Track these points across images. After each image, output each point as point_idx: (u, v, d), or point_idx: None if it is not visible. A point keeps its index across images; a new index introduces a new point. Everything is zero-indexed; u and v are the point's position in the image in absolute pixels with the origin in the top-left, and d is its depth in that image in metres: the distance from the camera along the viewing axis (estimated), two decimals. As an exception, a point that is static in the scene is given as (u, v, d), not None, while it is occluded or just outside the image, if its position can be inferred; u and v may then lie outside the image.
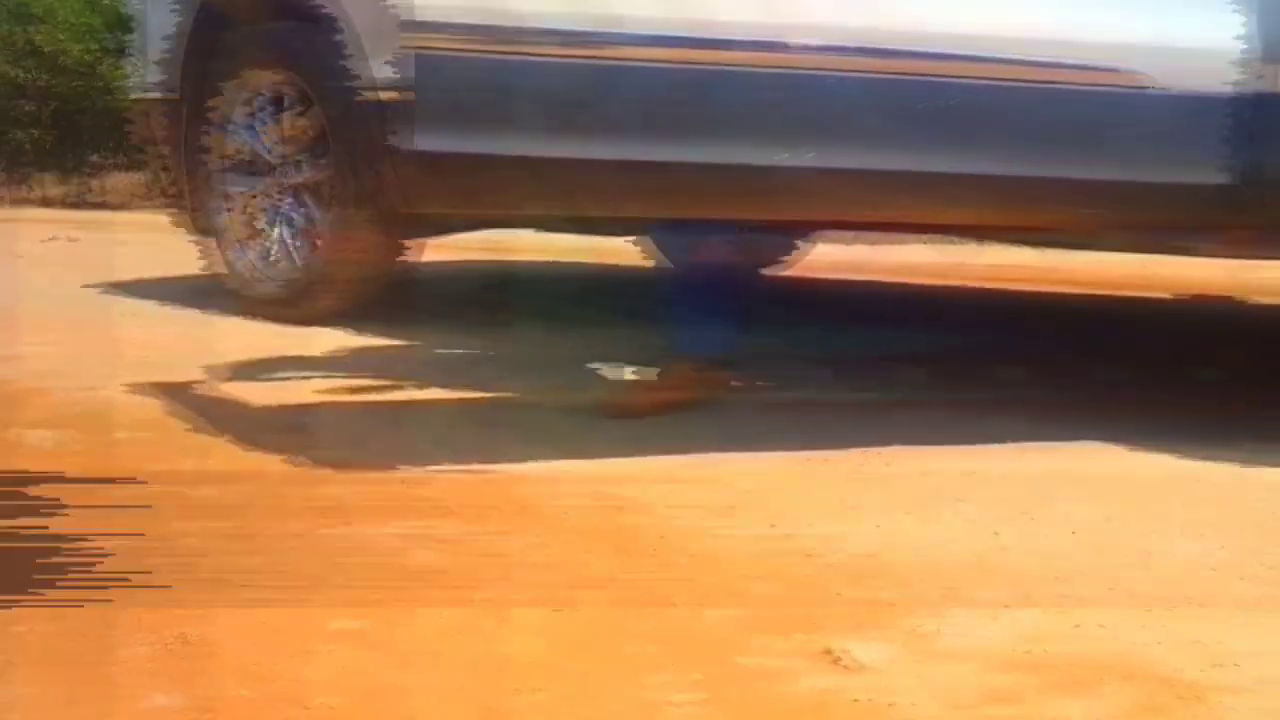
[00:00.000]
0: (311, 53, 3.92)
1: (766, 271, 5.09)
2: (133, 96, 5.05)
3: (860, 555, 1.92)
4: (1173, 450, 2.40)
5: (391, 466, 2.37)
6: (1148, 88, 2.25)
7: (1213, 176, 2.25)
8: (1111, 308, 4.51)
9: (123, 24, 10.45)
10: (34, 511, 2.17)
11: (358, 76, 3.73)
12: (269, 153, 4.17)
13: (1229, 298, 4.63)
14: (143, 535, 2.04)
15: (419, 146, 2.28)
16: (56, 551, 1.99)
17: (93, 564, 1.93)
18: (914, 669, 1.55)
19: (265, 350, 3.53)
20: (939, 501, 2.15)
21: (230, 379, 3.14)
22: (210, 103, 4.28)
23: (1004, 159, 2.29)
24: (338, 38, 3.80)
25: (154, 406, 2.86)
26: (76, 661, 1.60)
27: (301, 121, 4.04)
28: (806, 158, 2.25)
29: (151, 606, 1.76)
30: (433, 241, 4.18)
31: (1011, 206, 2.38)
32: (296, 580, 1.86)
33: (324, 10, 3.84)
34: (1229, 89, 2.24)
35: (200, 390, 3.02)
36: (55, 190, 11.82)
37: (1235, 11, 2.28)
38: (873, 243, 6.45)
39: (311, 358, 3.44)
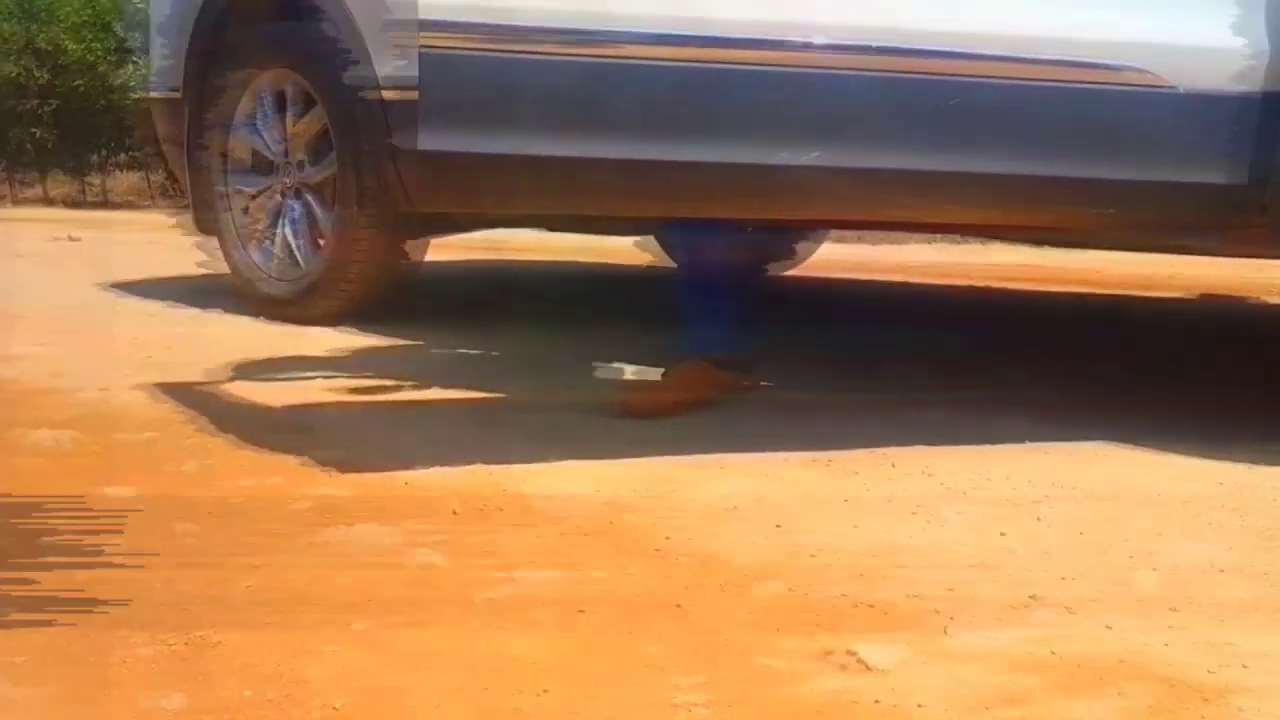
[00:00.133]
0: (314, 51, 3.91)
1: (772, 271, 5.11)
2: (135, 95, 5.05)
3: (865, 556, 1.92)
4: (1180, 450, 2.40)
5: (394, 467, 2.36)
6: (1157, 86, 2.24)
7: (1222, 176, 2.24)
8: (1119, 307, 4.50)
9: (125, 23, 10.49)
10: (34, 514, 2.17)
11: (361, 75, 3.73)
12: (271, 152, 4.17)
13: (1239, 297, 4.62)
14: (144, 535, 2.05)
15: (422, 146, 2.27)
16: (57, 554, 1.99)
17: (94, 563, 1.93)
18: (926, 670, 1.55)
19: (268, 350, 3.53)
20: (944, 502, 2.14)
21: (234, 379, 3.14)
22: (213, 102, 4.27)
23: (1012, 158, 2.28)
24: (340, 36, 3.80)
25: (158, 407, 2.86)
26: (78, 662, 1.60)
27: (304, 120, 4.04)
28: (812, 157, 2.24)
29: (154, 607, 1.76)
30: (436, 241, 4.17)
31: (1020, 206, 2.37)
32: (299, 580, 1.85)
33: (327, 9, 3.83)
34: (1238, 87, 2.23)
35: (204, 390, 3.02)
36: (58, 189, 11.83)
37: (1245, 10, 2.27)
38: (875, 242, 6.46)
39: (315, 358, 3.44)
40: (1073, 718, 1.44)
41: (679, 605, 1.75)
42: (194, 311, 4.23)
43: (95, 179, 11.66)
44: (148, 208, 10.83)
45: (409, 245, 3.96)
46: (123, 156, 11.58)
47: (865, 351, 3.54)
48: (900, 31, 2.27)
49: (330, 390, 3.03)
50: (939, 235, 6.23)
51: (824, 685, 1.52)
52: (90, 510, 2.18)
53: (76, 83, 10.76)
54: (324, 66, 3.87)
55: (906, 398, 2.83)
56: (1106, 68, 2.24)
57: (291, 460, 2.43)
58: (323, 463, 2.40)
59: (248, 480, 2.32)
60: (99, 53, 10.55)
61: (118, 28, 10.62)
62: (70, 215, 9.75)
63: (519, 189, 2.46)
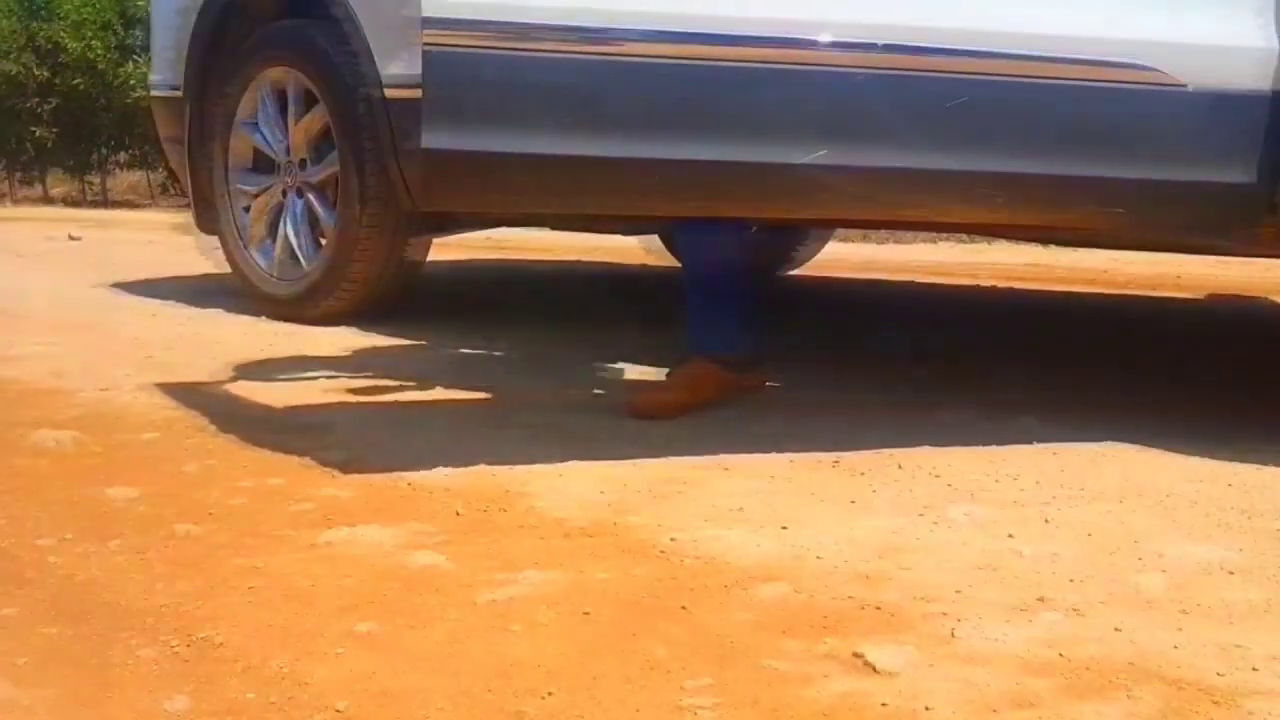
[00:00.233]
0: (316, 49, 3.90)
1: (777, 271, 5.11)
2: (138, 94, 5.05)
3: (872, 557, 1.90)
4: (1188, 451, 2.39)
5: (397, 468, 2.35)
6: (1166, 85, 2.23)
7: (1231, 175, 2.23)
8: (1126, 307, 4.50)
9: (127, 21, 10.49)
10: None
11: (364, 74, 3.72)
12: (273, 151, 4.16)
13: (1247, 297, 4.61)
14: (147, 535, 2.04)
15: (426, 144, 2.26)
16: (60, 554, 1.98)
17: (95, 565, 1.93)
18: (934, 673, 1.54)
19: (270, 350, 3.53)
20: (951, 503, 2.13)
21: (235, 379, 3.13)
22: (214, 100, 4.27)
23: (1018, 157, 2.27)
24: (344, 35, 3.79)
25: (159, 407, 2.86)
26: (81, 663, 1.59)
27: (306, 119, 4.03)
28: (819, 155, 2.23)
29: (156, 607, 1.75)
30: (438, 241, 4.17)
31: (1027, 205, 2.36)
32: (301, 582, 1.84)
33: (329, 6, 3.83)
34: (1248, 86, 2.22)
35: (206, 391, 3.02)
36: (57, 188, 11.84)
37: (1255, 8, 2.26)
38: (880, 242, 6.47)
39: (317, 358, 3.44)
40: (1091, 721, 1.43)
41: (684, 607, 1.74)
42: (195, 311, 4.23)
43: (95, 177, 11.68)
44: (148, 206, 10.84)
45: (411, 244, 3.95)
46: (123, 155, 11.61)
47: (870, 352, 3.54)
48: (908, 29, 2.25)
49: (332, 391, 3.02)
50: (944, 234, 6.25)
51: (831, 687, 1.51)
52: (91, 511, 2.18)
53: (76, 81, 10.78)
54: (326, 64, 3.87)
55: (913, 398, 2.82)
56: (1115, 66, 2.23)
57: (294, 461, 2.42)
58: (325, 463, 2.39)
59: (249, 481, 2.31)
60: (99, 51, 10.56)
61: (118, 25, 10.63)
62: (70, 214, 9.76)
63: (523, 188, 2.45)
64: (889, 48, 2.24)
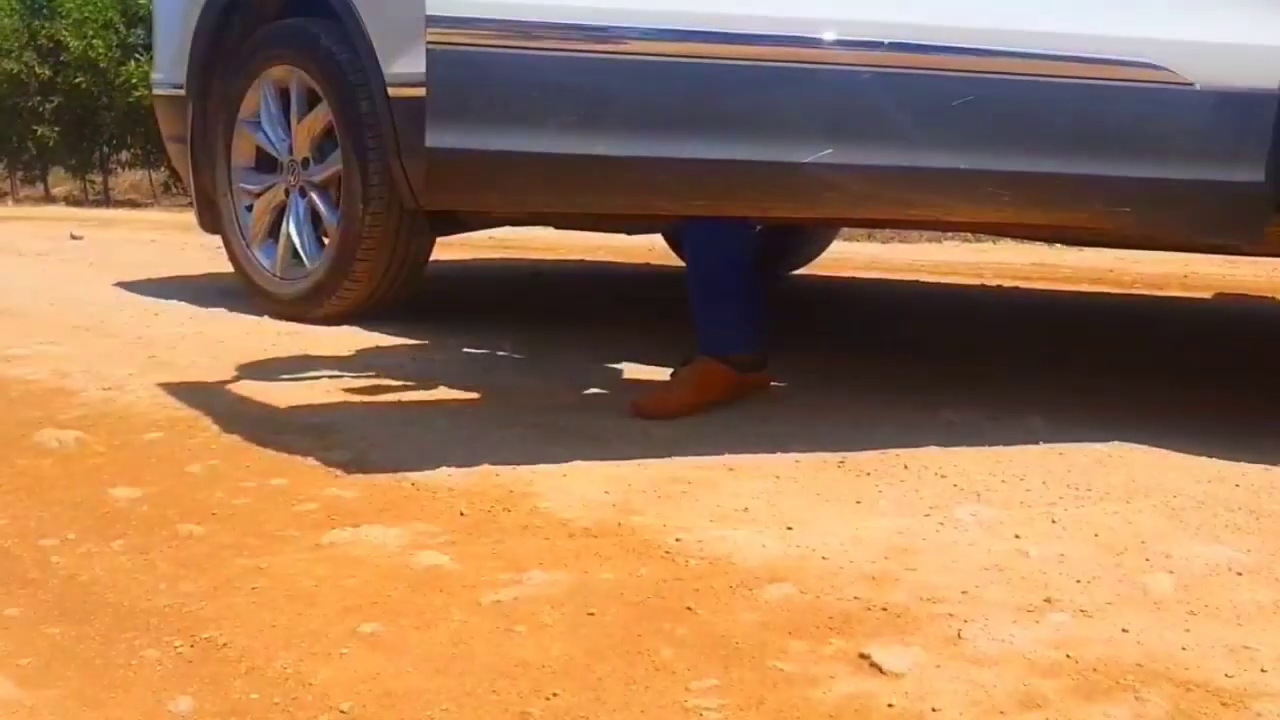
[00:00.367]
0: (320, 48, 3.90)
1: (782, 270, 5.11)
2: (140, 93, 5.05)
3: (878, 558, 1.90)
4: (1196, 451, 2.38)
5: (401, 468, 2.35)
6: (1173, 83, 2.22)
7: (1239, 174, 2.22)
8: (1133, 307, 4.49)
9: (129, 19, 10.49)
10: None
11: (367, 72, 3.72)
12: (276, 149, 4.16)
13: (1254, 297, 4.61)
14: (150, 536, 2.04)
15: (430, 143, 2.26)
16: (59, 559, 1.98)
17: (99, 565, 1.92)
18: (941, 674, 1.53)
19: (273, 350, 3.52)
20: (958, 503, 2.12)
21: (239, 379, 3.13)
22: (216, 99, 4.27)
23: (1024, 156, 2.26)
24: (347, 33, 3.79)
25: (163, 407, 2.86)
26: (85, 664, 1.59)
27: (309, 118, 4.03)
28: (824, 154, 2.22)
29: (160, 608, 1.75)
30: (443, 240, 4.16)
31: (1033, 205, 2.35)
32: (305, 582, 1.84)
33: (332, 4, 3.82)
34: (1256, 85, 2.22)
35: (209, 390, 3.01)
36: (59, 187, 11.85)
37: (1262, 6, 2.25)
38: (885, 241, 6.46)
39: (320, 357, 3.43)
40: (1100, 724, 1.42)
41: (690, 608, 1.74)
42: (198, 310, 4.23)
43: (97, 177, 11.69)
44: (150, 206, 10.85)
45: (415, 244, 3.94)
46: (125, 154, 11.61)
47: (876, 351, 3.53)
48: (914, 27, 2.25)
49: (336, 390, 3.02)
50: (950, 234, 6.24)
51: (838, 689, 1.51)
52: (93, 511, 2.17)
53: (78, 79, 10.78)
54: (329, 63, 3.87)
55: (918, 398, 2.81)
56: (1122, 64, 2.22)
57: (297, 461, 2.42)
58: (329, 464, 2.39)
59: (253, 481, 2.30)
60: (101, 49, 10.56)
61: (120, 24, 10.63)
62: (72, 213, 9.76)
63: (527, 187, 2.45)
64: (895, 46, 2.23)
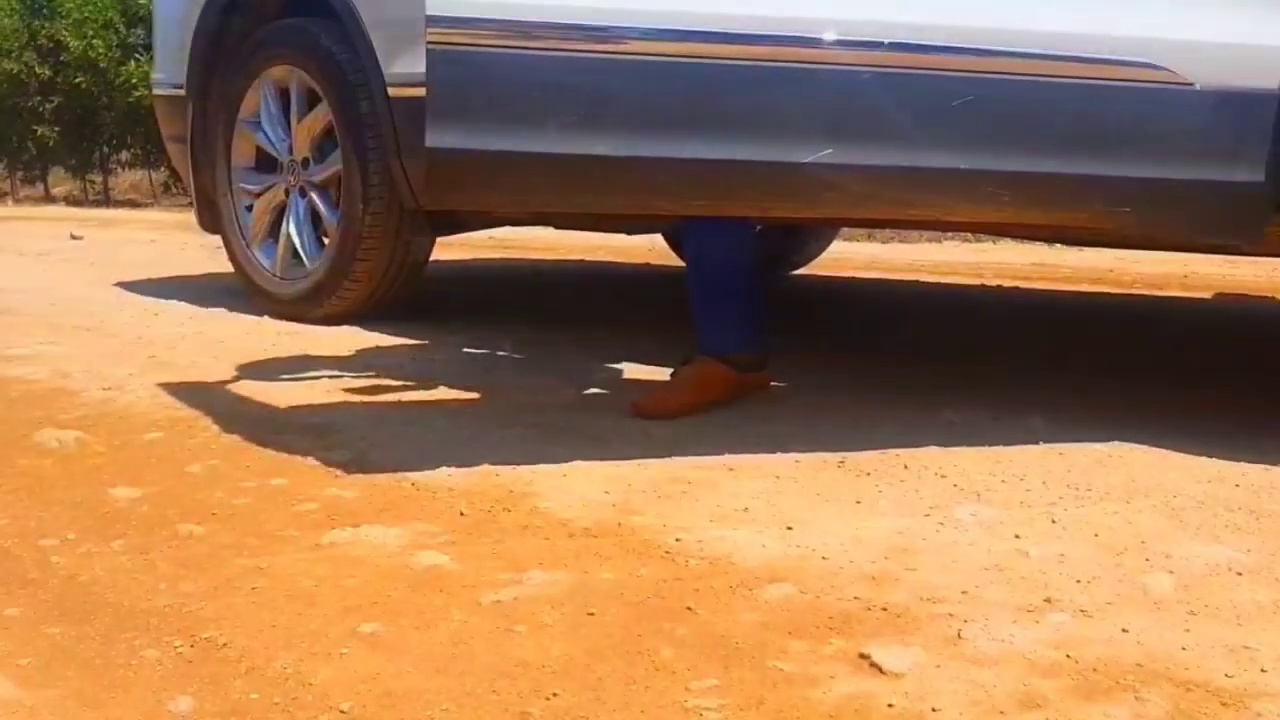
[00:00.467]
0: (320, 48, 3.90)
1: (782, 270, 5.11)
2: (140, 93, 5.05)
3: (878, 558, 1.90)
4: (1196, 452, 2.38)
5: (401, 468, 2.35)
6: (1173, 83, 2.22)
7: (1239, 174, 2.22)
8: (1133, 307, 4.49)
9: (129, 19, 10.49)
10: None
11: (367, 72, 3.72)
12: (276, 149, 4.16)
13: (1254, 297, 4.60)
14: (150, 536, 2.04)
15: (430, 143, 2.26)
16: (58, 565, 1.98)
17: (99, 565, 1.92)
18: (941, 674, 1.53)
19: (273, 350, 3.52)
20: (957, 504, 2.12)
21: (239, 379, 3.13)
22: (217, 99, 4.26)
23: (1024, 156, 2.26)
24: (347, 33, 3.79)
25: (163, 407, 2.86)
26: (85, 664, 1.59)
27: (309, 118, 4.03)
28: (824, 154, 2.22)
29: (160, 608, 1.75)
30: (443, 240, 4.16)
31: (1033, 205, 2.35)
32: (305, 582, 1.84)
33: (333, 4, 3.82)
34: (1256, 84, 2.21)
35: (209, 390, 3.01)
36: (59, 187, 11.85)
37: (1262, 6, 2.25)
38: (884, 241, 6.46)
39: (320, 357, 3.43)
40: (1101, 724, 1.42)
41: (690, 608, 1.74)
42: (198, 310, 4.23)
43: (97, 177, 11.68)
44: (150, 206, 10.85)
45: (415, 243, 3.94)
46: (125, 154, 11.61)
47: (876, 351, 3.53)
48: (914, 27, 2.25)
49: (336, 390, 3.02)
50: (950, 234, 6.24)
51: (838, 689, 1.51)
52: (96, 511, 2.17)
53: (78, 79, 10.77)
54: (329, 63, 3.86)
55: (918, 398, 2.81)
56: (1122, 64, 2.22)
57: (298, 461, 2.42)
58: (329, 464, 2.39)
59: (253, 481, 2.30)
60: (101, 49, 10.55)
61: (120, 24, 10.63)
62: (72, 213, 9.76)
63: (527, 187, 2.45)
64: (894, 46, 2.23)
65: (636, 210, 3.02)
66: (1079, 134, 2.26)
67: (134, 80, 10.07)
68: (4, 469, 2.41)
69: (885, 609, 1.72)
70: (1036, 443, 2.43)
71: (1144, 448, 2.40)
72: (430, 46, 2.22)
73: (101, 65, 10.59)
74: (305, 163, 4.07)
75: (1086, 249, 5.59)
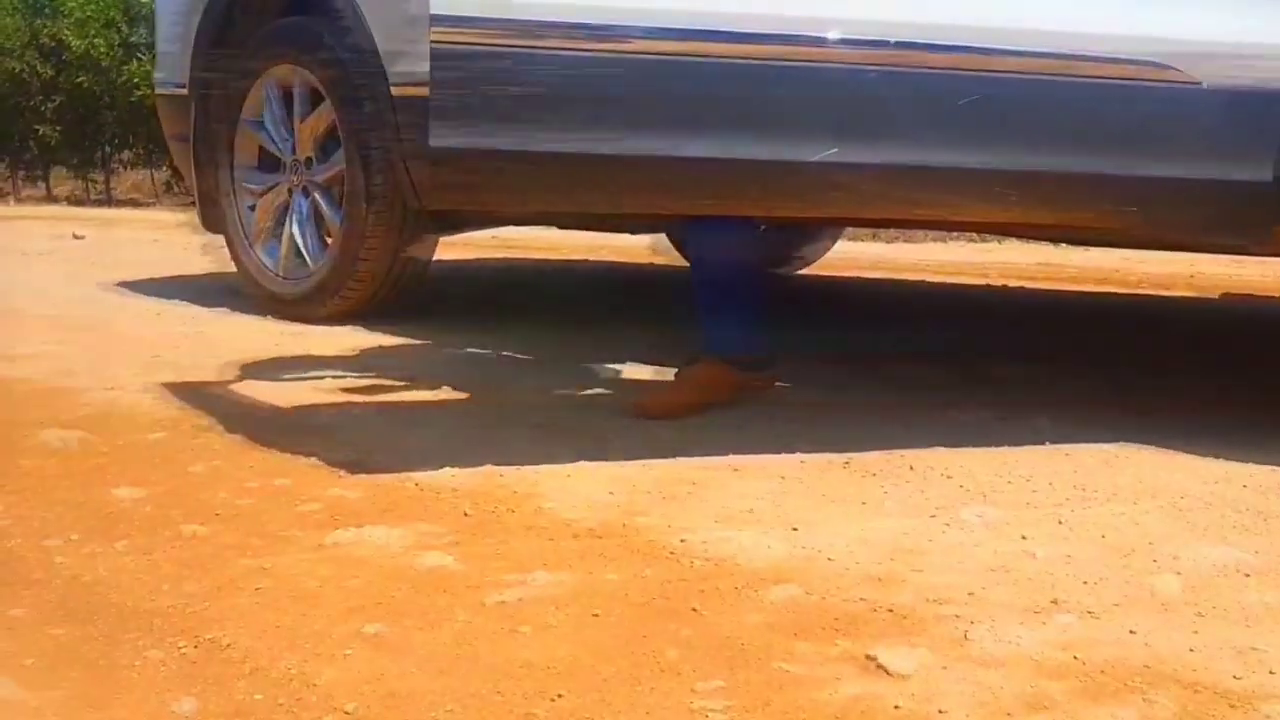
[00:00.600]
0: (323, 47, 3.89)
1: (788, 269, 5.10)
2: (142, 92, 5.04)
3: (884, 559, 1.89)
4: (1203, 452, 2.37)
5: (405, 468, 2.34)
6: (1180, 83, 2.21)
7: (1247, 173, 2.22)
8: (1139, 307, 4.48)
9: (131, 18, 10.48)
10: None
11: (370, 71, 3.71)
12: (279, 149, 4.15)
13: (1261, 297, 4.60)
14: (154, 536, 2.03)
15: (434, 142, 2.25)
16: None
17: (103, 565, 1.92)
18: (947, 675, 1.53)
19: (276, 350, 3.52)
20: (963, 504, 2.12)
21: (242, 379, 3.12)
22: (219, 98, 4.26)
23: (1032, 155, 2.26)
24: (350, 32, 3.78)
25: (166, 407, 2.85)
26: (89, 664, 1.59)
27: (312, 117, 4.02)
28: (830, 154, 2.22)
29: (164, 608, 1.75)
30: (446, 239, 4.16)
31: (1040, 204, 2.35)
32: (309, 583, 1.83)
33: (335, 3, 3.81)
34: (1264, 84, 2.21)
35: (212, 390, 3.01)
36: (61, 187, 11.83)
37: (1270, 6, 2.25)
38: (889, 240, 6.45)
39: (323, 357, 3.42)
40: (1108, 725, 1.42)
41: (695, 609, 1.73)
42: (200, 310, 4.22)
43: (99, 176, 11.67)
44: (152, 205, 10.83)
45: (418, 243, 3.93)
46: (127, 154, 11.59)
47: (882, 352, 3.52)
48: (919, 26, 2.24)
49: (339, 390, 3.01)
50: (955, 233, 6.23)
51: (844, 690, 1.50)
52: (98, 511, 2.17)
53: (81, 79, 10.76)
54: (332, 62, 3.86)
55: (924, 399, 2.81)
56: (1129, 63, 2.22)
57: (301, 461, 2.41)
58: (332, 464, 2.38)
59: (256, 481, 2.30)
60: (103, 48, 10.54)
61: (122, 23, 10.61)
62: (74, 213, 9.74)
63: (530, 186, 2.44)
64: (901, 45, 2.22)
65: (640, 209, 3.02)
66: (1085, 133, 2.26)
67: (136, 79, 10.06)
68: (8, 469, 2.40)
69: (891, 610, 1.72)
70: (1043, 443, 2.43)
71: (1151, 448, 2.40)
72: (434, 45, 2.21)
73: (104, 64, 10.58)
74: (308, 162, 4.06)
75: (1093, 249, 5.58)
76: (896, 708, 1.46)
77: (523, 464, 2.36)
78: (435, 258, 4.10)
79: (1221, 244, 2.93)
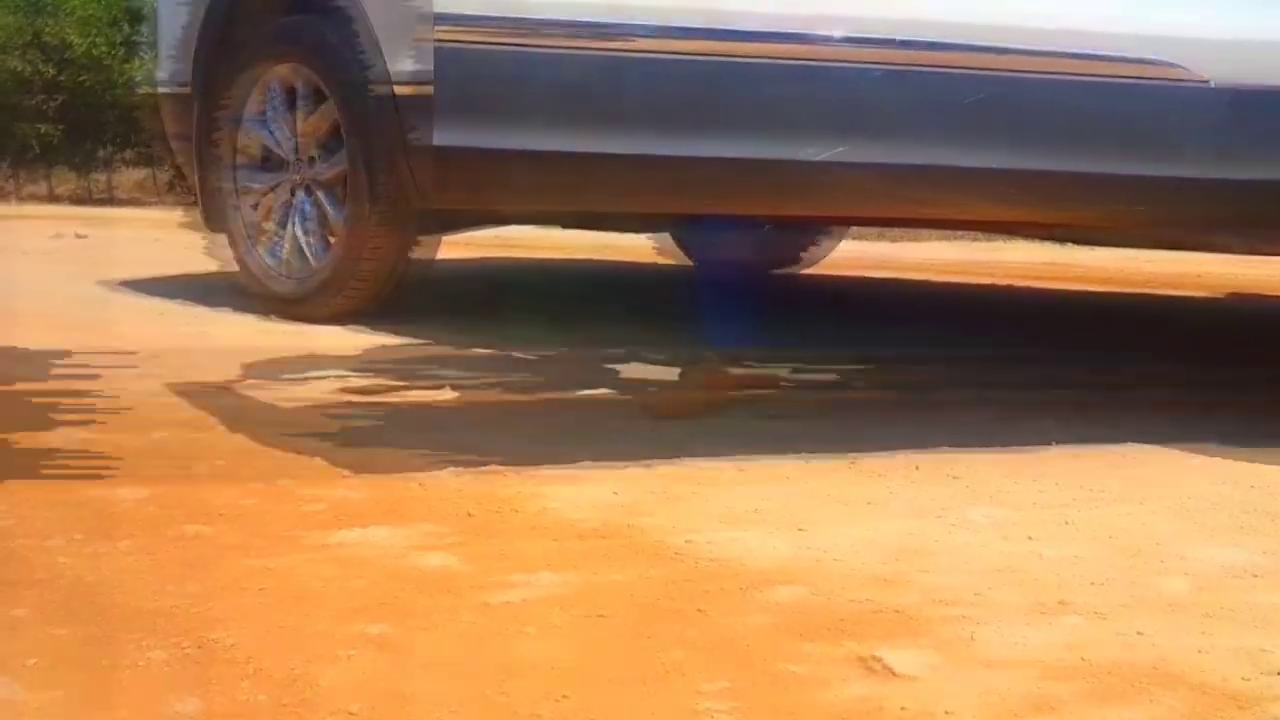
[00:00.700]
0: (325, 45, 3.89)
1: (793, 268, 5.09)
2: (143, 91, 5.03)
3: (890, 560, 1.89)
4: (1213, 453, 2.37)
5: (409, 468, 2.34)
6: (1189, 81, 2.20)
7: (1255, 172, 2.21)
8: (1146, 307, 4.48)
9: (133, 17, 10.48)
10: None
11: (373, 70, 3.70)
12: (282, 148, 4.15)
13: (1269, 296, 4.59)
14: (157, 536, 2.03)
15: (438, 141, 2.25)
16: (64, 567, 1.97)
17: (106, 566, 1.91)
18: (955, 677, 1.52)
19: (278, 349, 3.51)
20: (970, 505, 2.11)
21: (244, 378, 3.12)
22: (222, 97, 4.25)
23: (1040, 154, 2.26)
24: (353, 31, 3.77)
25: (169, 406, 2.84)
26: (92, 665, 1.58)
27: (315, 116, 4.01)
28: (836, 152, 2.21)
29: (167, 609, 1.74)
30: (450, 239, 4.15)
31: (1049, 202, 2.35)
32: (312, 583, 1.83)
33: (339, 3, 3.81)
34: (1272, 82, 2.20)
35: (214, 390, 3.00)
36: (63, 186, 11.83)
37: (1277, 3, 2.24)
38: (895, 240, 6.44)
39: (326, 357, 3.42)
40: (1114, 728, 1.41)
41: (701, 609, 1.72)
42: (203, 310, 4.21)
43: (101, 175, 11.67)
44: (154, 204, 10.83)
45: (421, 242, 3.92)
46: (129, 153, 11.59)
47: (888, 351, 3.51)
48: (924, 24, 2.24)
49: (342, 390, 3.01)
50: (961, 233, 6.23)
51: (850, 692, 1.49)
52: (99, 511, 2.16)
53: (83, 78, 10.76)
54: (335, 61, 3.85)
55: (931, 399, 2.80)
56: (1136, 62, 2.21)
57: (304, 461, 2.40)
58: (336, 464, 2.38)
59: (260, 481, 2.29)
60: (105, 47, 10.53)
61: (125, 22, 10.61)
62: (76, 212, 9.74)
63: (534, 185, 2.45)
64: (907, 44, 2.22)
65: (644, 209, 3.01)
66: (1093, 132, 2.26)
67: (138, 78, 10.06)
68: (9, 469, 2.40)
69: (898, 611, 1.71)
70: (1050, 443, 2.42)
71: (1158, 449, 2.39)
72: (439, 44, 2.21)
73: (106, 63, 10.58)
74: (311, 161, 4.06)
75: (1100, 248, 5.57)
76: (903, 709, 1.45)
77: (526, 464, 2.35)
78: (439, 257, 4.09)
79: (1230, 243, 2.92)
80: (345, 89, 3.83)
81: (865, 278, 5.19)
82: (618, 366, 3.26)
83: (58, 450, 2.52)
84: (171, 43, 4.54)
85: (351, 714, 1.45)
